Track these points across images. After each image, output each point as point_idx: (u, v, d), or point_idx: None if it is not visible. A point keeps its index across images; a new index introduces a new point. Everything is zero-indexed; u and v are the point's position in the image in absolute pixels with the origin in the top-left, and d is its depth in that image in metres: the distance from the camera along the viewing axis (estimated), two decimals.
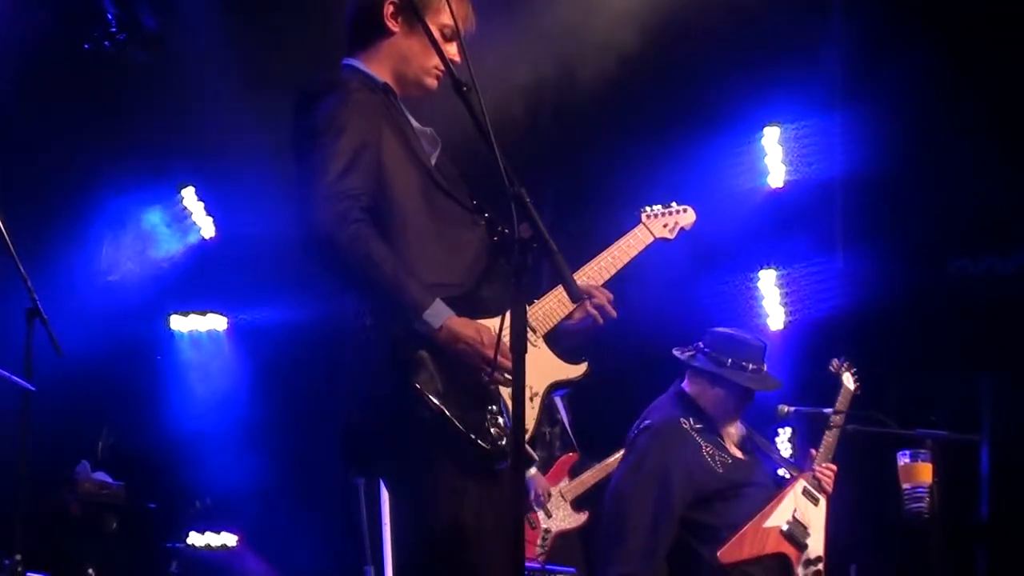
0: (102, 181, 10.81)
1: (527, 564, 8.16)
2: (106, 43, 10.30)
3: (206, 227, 11.45)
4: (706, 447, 7.37)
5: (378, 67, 5.06)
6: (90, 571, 9.43)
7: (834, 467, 7.66)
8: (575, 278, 4.68)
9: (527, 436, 4.73)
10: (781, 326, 11.30)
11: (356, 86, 4.94)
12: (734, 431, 7.62)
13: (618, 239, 5.66)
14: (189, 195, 11.38)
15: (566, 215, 10.75)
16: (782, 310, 11.35)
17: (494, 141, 4.29)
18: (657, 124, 11.07)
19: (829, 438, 7.69)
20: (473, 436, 4.66)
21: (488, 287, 4.90)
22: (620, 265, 5.55)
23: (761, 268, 11.37)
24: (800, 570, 7.34)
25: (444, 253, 4.87)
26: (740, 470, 7.42)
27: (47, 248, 9.74)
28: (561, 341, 5.15)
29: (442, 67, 4.96)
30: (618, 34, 9.81)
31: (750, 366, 7.53)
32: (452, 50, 4.96)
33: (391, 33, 5.07)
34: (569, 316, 5.15)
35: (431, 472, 4.72)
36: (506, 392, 4.64)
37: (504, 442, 4.66)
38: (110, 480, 10.10)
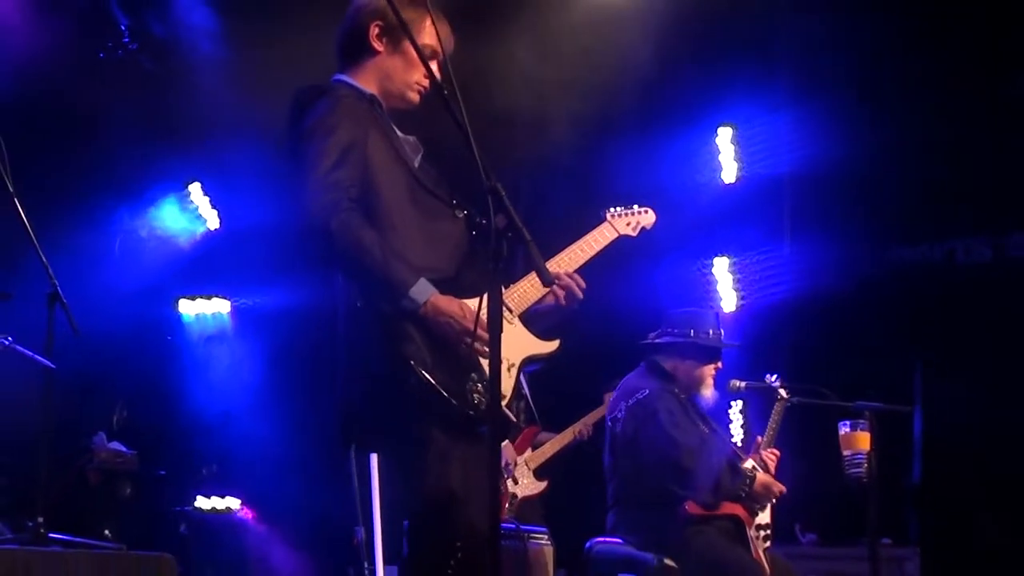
0: (117, 175, 10.80)
1: (504, 524, 8.18)
2: (119, 52, 10.30)
3: (211, 219, 11.45)
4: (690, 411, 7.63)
5: (365, 82, 5.10)
6: (107, 532, 9.43)
7: (777, 452, 7.75)
8: (546, 265, 4.74)
9: (505, 401, 4.89)
10: (734, 309, 11.32)
11: (345, 93, 4.99)
12: (708, 395, 7.74)
13: (585, 234, 5.72)
14: (196, 190, 11.38)
15: (538, 207, 10.74)
16: (735, 294, 11.38)
17: (473, 141, 4.32)
18: (622, 124, 11.08)
19: (771, 428, 7.79)
20: (456, 402, 4.71)
21: (468, 272, 4.93)
22: (586, 258, 5.60)
23: (715, 256, 11.39)
24: (752, 532, 7.41)
25: (427, 242, 4.91)
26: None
27: (66, 237, 9.71)
28: (536, 323, 5.18)
29: (424, 83, 5.10)
30: (587, 42, 9.84)
31: (711, 332, 7.78)
32: (433, 67, 4.96)
33: (376, 52, 5.11)
34: (542, 299, 5.19)
35: (421, 436, 4.75)
36: (486, 362, 4.66)
37: (484, 405, 4.69)
38: (124, 449, 10.09)
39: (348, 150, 4.78)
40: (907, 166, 10.73)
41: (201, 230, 11.50)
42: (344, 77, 5.13)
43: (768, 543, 7.53)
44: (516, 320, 5.11)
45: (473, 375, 4.77)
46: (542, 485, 9.33)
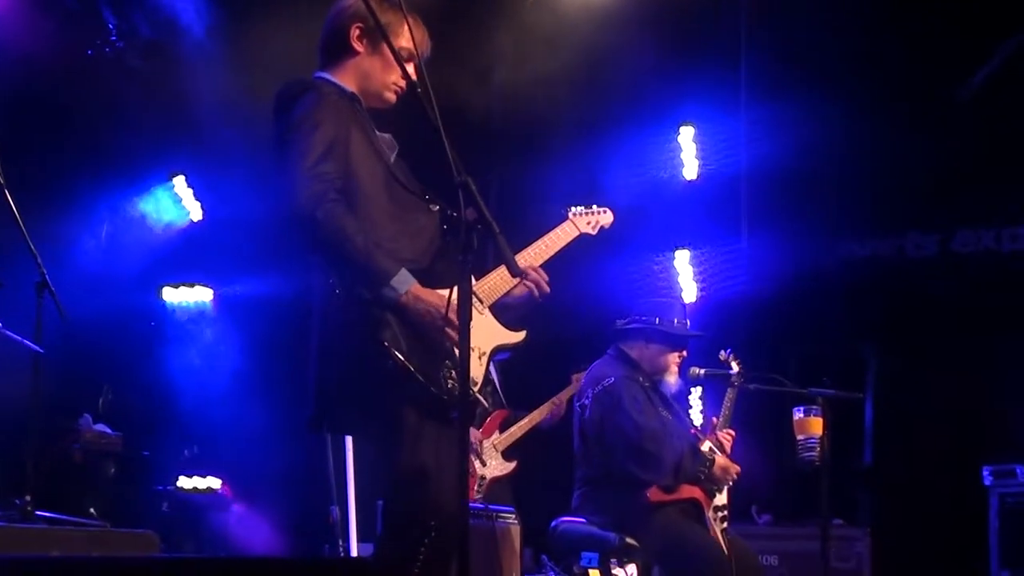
0: (103, 168, 10.77)
1: (473, 504, 8.20)
2: (107, 49, 10.27)
3: (195, 210, 11.42)
4: (652, 398, 7.63)
5: (346, 81, 5.11)
6: (92, 511, 9.40)
7: (732, 433, 7.78)
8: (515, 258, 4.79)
9: (476, 387, 4.92)
10: (694, 299, 11.34)
11: (329, 90, 5.00)
12: (673, 381, 7.76)
13: (548, 232, 5.80)
14: (180, 182, 11.35)
15: (508, 202, 10.75)
16: (694, 285, 11.39)
17: (445, 137, 4.33)
18: (589, 123, 11.12)
19: (726, 410, 7.81)
20: (431, 387, 4.74)
21: (440, 264, 4.95)
22: (550, 254, 5.69)
23: (676, 248, 11.41)
24: (710, 513, 7.44)
25: (403, 235, 4.93)
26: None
27: (54, 227, 9.70)
28: (504, 313, 5.23)
29: (400, 83, 5.13)
30: (551, 41, 9.86)
31: (676, 320, 7.76)
32: (409, 69, 4.98)
33: (356, 53, 5.12)
34: (510, 291, 5.25)
35: (395, 417, 4.78)
36: (458, 350, 4.69)
37: (458, 391, 4.71)
38: (109, 431, 10.07)
39: (332, 145, 4.80)
40: (859, 164, 10.78)
41: (185, 221, 11.47)
42: (326, 75, 5.14)
43: (726, 524, 7.54)
44: (487, 311, 5.16)
45: (447, 362, 4.78)
46: (511, 466, 9.32)
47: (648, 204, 10.91)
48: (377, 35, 5.03)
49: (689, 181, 11.41)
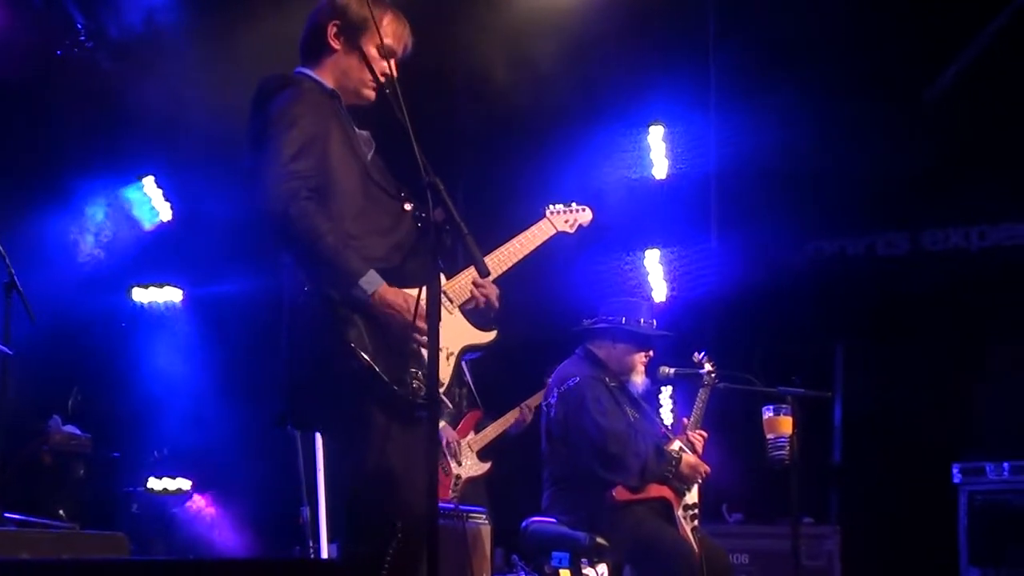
0: (72, 169, 10.73)
1: (443, 505, 8.19)
2: (75, 50, 10.24)
3: (164, 211, 11.39)
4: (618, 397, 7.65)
5: (324, 78, 5.08)
6: (61, 512, 9.37)
7: (704, 433, 7.79)
8: (486, 260, 4.82)
9: (443, 388, 4.87)
10: (664, 299, 11.35)
11: (309, 86, 4.99)
12: (639, 381, 7.77)
13: (524, 230, 5.77)
14: (149, 183, 11.32)
15: (476, 201, 10.75)
16: (664, 285, 11.41)
17: (413, 137, 4.34)
18: (559, 122, 11.12)
19: (698, 410, 7.82)
20: (396, 387, 4.72)
21: (411, 263, 4.90)
22: (526, 252, 5.67)
23: (647, 248, 11.43)
24: (680, 512, 7.45)
25: (375, 233, 4.90)
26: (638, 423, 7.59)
27: (23, 228, 9.66)
28: (475, 314, 5.18)
29: (380, 79, 5.07)
30: (526, 39, 9.87)
31: (642, 320, 7.77)
32: (389, 66, 5.00)
33: (334, 50, 5.08)
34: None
35: (362, 418, 4.76)
36: (425, 351, 4.67)
37: (423, 392, 4.70)
38: (79, 432, 10.03)
39: (309, 142, 4.78)
40: (829, 163, 10.80)
41: (155, 221, 11.43)
42: (306, 70, 5.11)
43: (696, 522, 7.55)
44: (456, 310, 5.12)
45: (414, 363, 4.76)
46: (485, 466, 9.34)
47: (618, 204, 10.91)
48: (353, 33, 5.03)
49: (659, 180, 11.43)
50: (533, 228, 5.82)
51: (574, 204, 6.12)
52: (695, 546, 7.32)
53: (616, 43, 10.62)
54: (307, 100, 4.89)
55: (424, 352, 4.69)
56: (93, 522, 8.91)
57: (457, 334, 5.07)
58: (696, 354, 8.02)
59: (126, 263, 11.35)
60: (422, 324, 4.62)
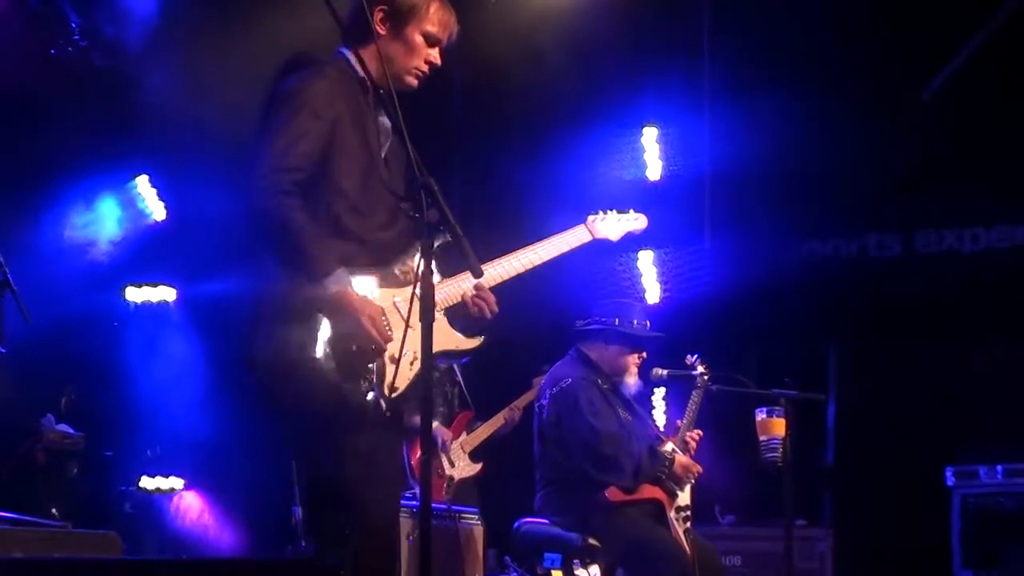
0: (66, 168, 10.72)
1: (436, 506, 8.19)
2: (69, 48, 10.23)
3: (158, 211, 11.37)
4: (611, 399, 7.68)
5: (366, 60, 4.94)
6: (54, 511, 9.36)
7: (700, 432, 7.80)
8: (503, 260, 5.00)
9: (397, 393, 4.73)
10: (657, 300, 11.35)
11: (331, 70, 4.92)
12: (632, 382, 7.77)
13: (556, 234, 5.63)
14: (143, 182, 11.30)
15: (471, 202, 10.74)
16: (658, 286, 11.41)
17: (407, 136, 4.33)
18: (553, 123, 11.13)
19: (691, 412, 7.83)
20: (348, 394, 4.65)
21: (403, 263, 4.87)
22: (553, 255, 5.54)
23: (640, 249, 11.42)
24: (672, 513, 7.45)
25: (367, 230, 4.84)
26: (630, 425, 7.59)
27: (16, 227, 9.65)
28: (460, 320, 5.09)
29: (423, 68, 5.05)
30: (523, 39, 9.87)
31: (636, 322, 7.78)
32: (433, 54, 5.01)
33: (379, 36, 4.97)
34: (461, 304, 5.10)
35: (313, 423, 4.71)
36: (386, 356, 4.67)
37: (370, 397, 4.66)
38: (72, 431, 10.02)
39: (309, 129, 4.74)
40: (822, 164, 10.83)
41: (148, 221, 11.41)
42: (346, 52, 5.02)
43: (688, 524, 7.56)
44: (441, 316, 4.98)
45: (369, 367, 4.68)
46: (477, 467, 9.34)
47: (612, 205, 10.90)
48: (400, 19, 4.98)
49: (653, 181, 11.43)
50: (565, 233, 5.69)
51: (631, 211, 6.06)
52: (687, 548, 7.33)
53: (611, 44, 10.64)
54: (322, 84, 4.84)
55: (388, 360, 4.67)
56: (86, 521, 8.88)
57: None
58: (688, 356, 8.03)
59: (120, 262, 11.33)
60: (383, 331, 4.61)
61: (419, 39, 4.99)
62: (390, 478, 4.71)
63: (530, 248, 5.46)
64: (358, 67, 4.97)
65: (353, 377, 4.66)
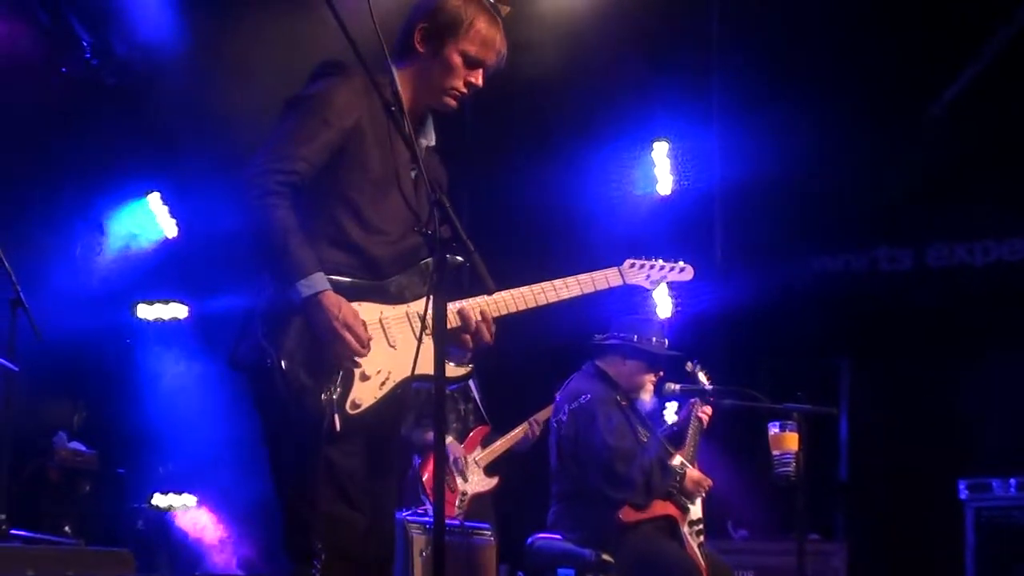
0: (78, 186, 10.76)
1: (449, 522, 8.17)
2: (81, 67, 10.26)
3: (169, 227, 11.39)
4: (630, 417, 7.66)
5: (405, 79, 4.84)
6: (67, 528, 9.38)
7: (708, 410, 7.86)
8: (530, 290, 4.86)
9: (359, 410, 4.58)
10: (669, 315, 11.33)
11: (359, 81, 4.72)
12: (647, 399, 7.77)
13: (588, 272, 5.34)
14: (155, 199, 11.32)
15: (481, 218, 10.74)
16: (670, 300, 11.40)
17: (418, 152, 4.31)
18: (563, 139, 11.13)
19: (692, 439, 7.83)
20: (299, 400, 4.52)
21: (403, 279, 4.74)
22: (574, 294, 5.22)
23: None
24: (685, 528, 7.44)
25: (374, 243, 4.71)
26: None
27: (29, 245, 9.66)
28: (456, 348, 4.87)
29: (462, 89, 4.90)
30: (530, 56, 9.86)
31: (654, 339, 7.81)
32: (475, 75, 4.90)
33: (419, 54, 4.87)
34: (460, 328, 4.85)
35: (277, 432, 4.64)
36: (358, 371, 4.54)
37: (326, 411, 4.50)
38: (84, 449, 10.05)
39: (316, 135, 4.61)
40: (832, 179, 10.82)
41: (159, 238, 11.44)
42: (392, 66, 4.64)
43: (702, 538, 7.54)
44: (428, 338, 4.57)
45: (334, 379, 4.55)
46: (493, 482, 9.31)
47: (622, 219, 10.93)
48: (439, 37, 4.83)
49: (663, 196, 11.43)
50: (597, 273, 5.36)
51: (680, 262, 5.82)
52: (701, 563, 7.31)
53: (620, 60, 10.63)
54: (343, 93, 4.68)
55: (358, 375, 4.56)
56: (99, 538, 8.91)
57: (407, 363, 4.62)
58: (689, 363, 8.01)
59: (132, 279, 11.35)
60: (360, 337, 4.50)
61: (457, 59, 4.83)
62: (354, 500, 4.55)
63: (558, 282, 5.17)
64: (399, 84, 4.66)
65: (316, 385, 4.53)
